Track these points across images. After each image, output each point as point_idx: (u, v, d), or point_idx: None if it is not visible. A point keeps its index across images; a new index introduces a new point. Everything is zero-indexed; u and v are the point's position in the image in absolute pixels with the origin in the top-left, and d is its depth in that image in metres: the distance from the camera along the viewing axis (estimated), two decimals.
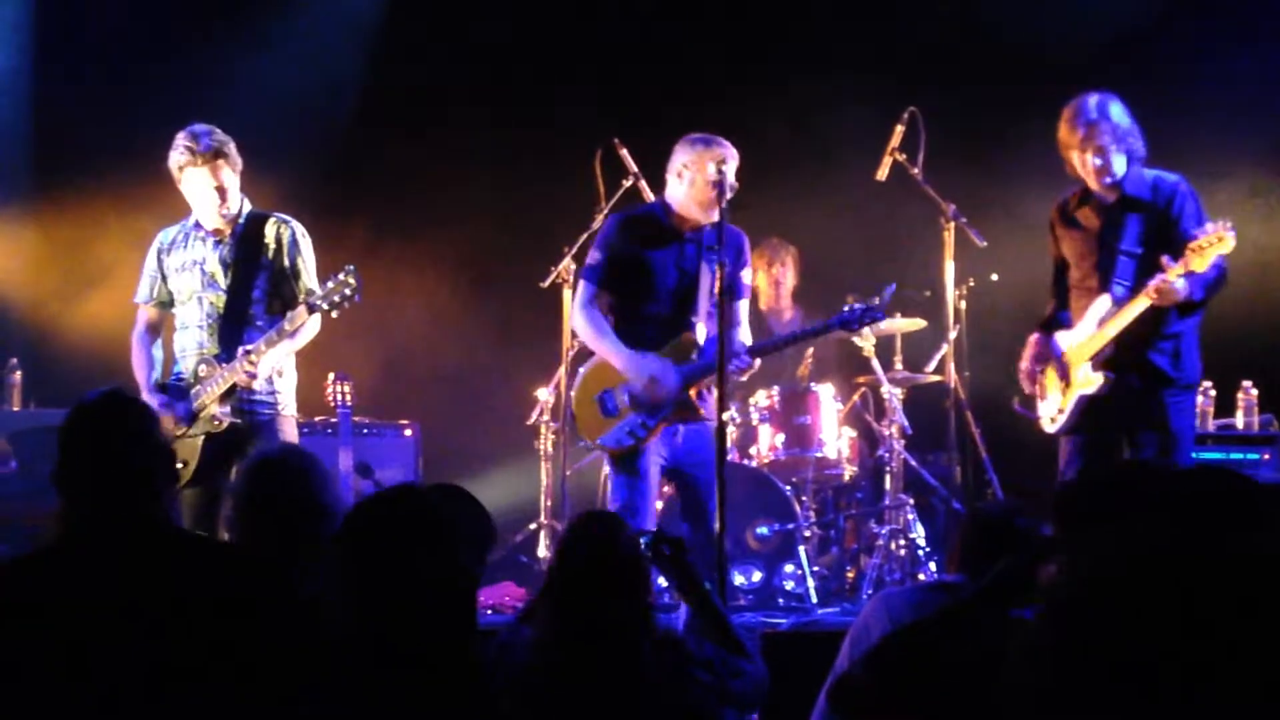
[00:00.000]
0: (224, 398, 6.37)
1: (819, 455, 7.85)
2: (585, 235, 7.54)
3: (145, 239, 9.32)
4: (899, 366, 8.12)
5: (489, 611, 7.51)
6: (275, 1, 9.60)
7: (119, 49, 9.42)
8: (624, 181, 7.50)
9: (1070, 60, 8.92)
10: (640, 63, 8.97)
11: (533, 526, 8.09)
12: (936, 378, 7.93)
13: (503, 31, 9.56)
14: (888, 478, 7.82)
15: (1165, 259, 5.91)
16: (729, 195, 6.25)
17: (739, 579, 6.97)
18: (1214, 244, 5.85)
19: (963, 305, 7.81)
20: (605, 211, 7.40)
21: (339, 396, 8.09)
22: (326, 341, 9.07)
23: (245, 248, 6.63)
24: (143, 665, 3.14)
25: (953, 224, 7.40)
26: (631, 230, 6.51)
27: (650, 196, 7.16)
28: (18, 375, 8.49)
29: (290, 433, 6.66)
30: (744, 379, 6.56)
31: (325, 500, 4.24)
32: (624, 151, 7.50)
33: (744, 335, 6.46)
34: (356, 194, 9.60)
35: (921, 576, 7.37)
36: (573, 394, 6.71)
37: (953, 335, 7.53)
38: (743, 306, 6.53)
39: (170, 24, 9.52)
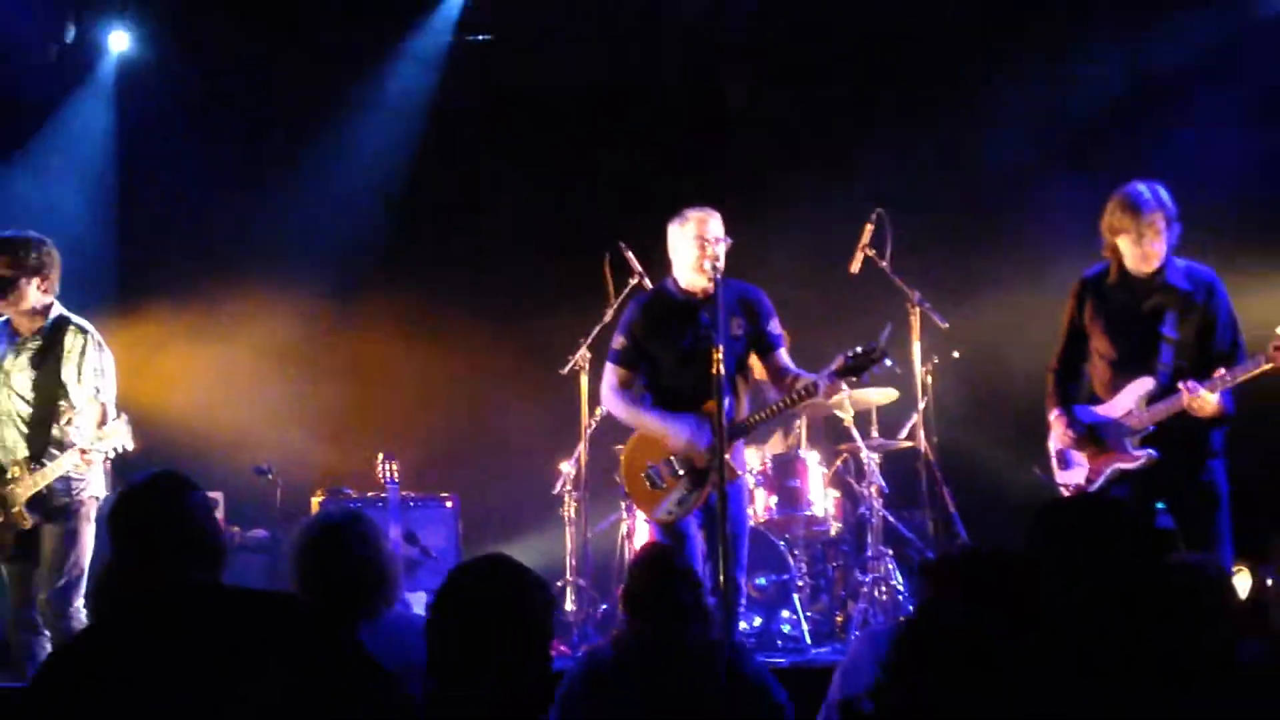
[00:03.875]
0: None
1: (808, 514, 7.87)
2: (598, 327, 7.61)
3: (212, 346, 9.49)
4: (875, 434, 8.17)
5: None
6: (330, 127, 9.78)
7: (187, 183, 9.56)
8: (630, 280, 7.56)
9: (1019, 162, 9.04)
10: (644, 179, 9.04)
11: (560, 583, 8.06)
12: (909, 443, 7.93)
13: (527, 149, 9.68)
14: (869, 532, 7.82)
15: (1219, 372, 5.73)
16: (722, 247, 6.23)
17: (741, 625, 6.95)
18: None
19: (929, 379, 7.84)
20: (614, 307, 7.47)
21: (387, 473, 8.15)
22: (375, 423, 9.17)
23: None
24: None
25: (918, 308, 7.43)
26: (649, 310, 6.49)
27: None
28: (107, 464, 8.53)
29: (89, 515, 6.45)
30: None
31: (382, 560, 4.22)
32: (629, 254, 7.56)
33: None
34: (398, 293, 9.63)
35: (902, 618, 7.33)
36: (620, 475, 6.65)
37: (921, 405, 7.55)
38: (784, 353, 6.43)
39: (232, 156, 9.65)
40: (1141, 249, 5.97)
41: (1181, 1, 8.94)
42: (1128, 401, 6.01)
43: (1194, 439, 5.91)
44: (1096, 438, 6.09)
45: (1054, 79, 9.12)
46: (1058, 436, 6.20)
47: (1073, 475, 6.17)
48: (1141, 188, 6.00)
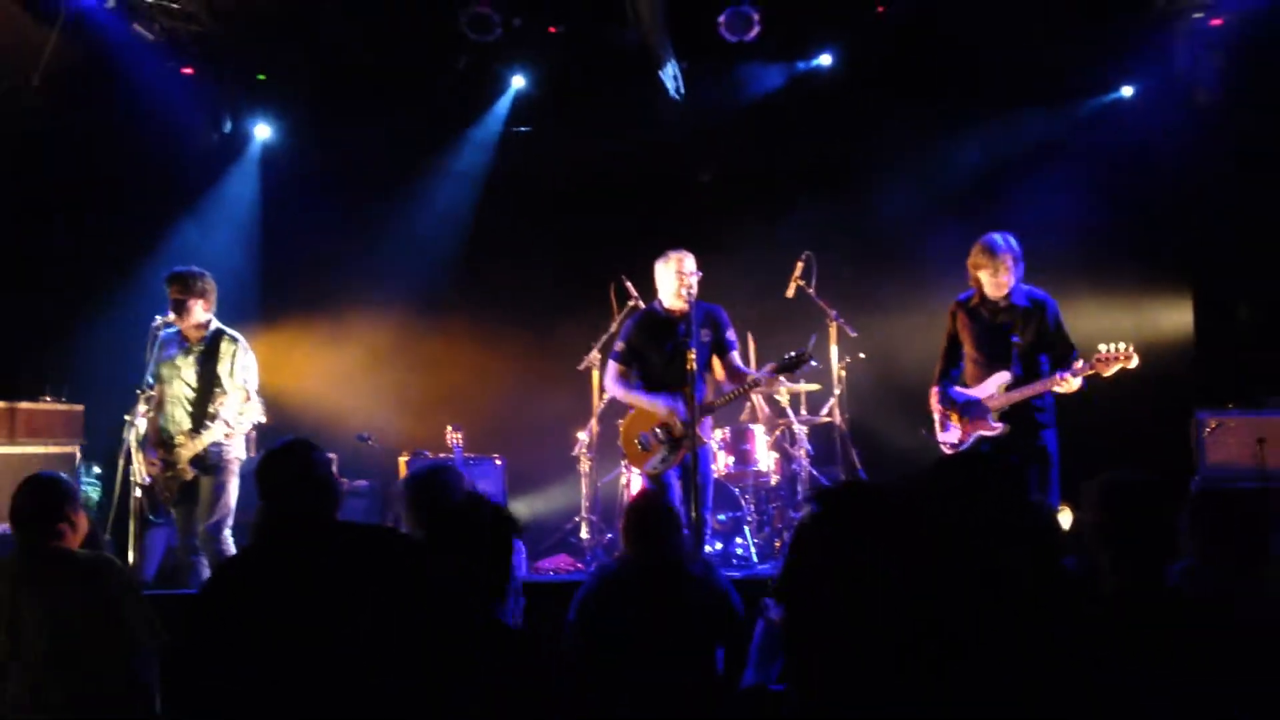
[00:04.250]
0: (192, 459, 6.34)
1: (755, 469, 7.80)
2: (605, 336, 7.62)
3: (328, 348, 9.49)
4: (804, 412, 8.15)
5: (551, 572, 7.50)
6: (414, 191, 9.76)
7: (310, 232, 9.55)
8: (628, 302, 7.58)
9: (909, 217, 9.03)
10: (639, 229, 9.02)
11: (577, 519, 8.09)
12: (828, 419, 7.95)
13: (555, 208, 9.64)
14: (799, 482, 7.80)
15: (1078, 364, 5.81)
16: (695, 279, 6.24)
17: (707, 548, 6.96)
18: (1122, 360, 5.73)
19: (843, 373, 7.86)
20: (618, 321, 7.48)
21: (454, 440, 8.14)
22: (446, 403, 9.16)
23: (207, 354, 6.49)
24: (332, 625, 3.11)
25: (834, 323, 7.48)
26: (641, 324, 6.54)
27: None
28: (253, 433, 8.52)
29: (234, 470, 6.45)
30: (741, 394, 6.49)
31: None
32: (628, 283, 7.60)
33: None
34: (464, 311, 9.63)
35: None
36: (620, 441, 6.66)
37: (837, 392, 7.60)
38: (736, 355, 6.49)
39: (343, 211, 9.65)
40: (995, 280, 6.08)
41: (1023, 99, 8.92)
42: (990, 388, 6.11)
43: (1031, 416, 6.01)
44: (967, 412, 6.15)
45: (935, 153, 9.12)
46: (934, 407, 6.30)
47: (949, 436, 6.27)
48: (996, 236, 6.12)
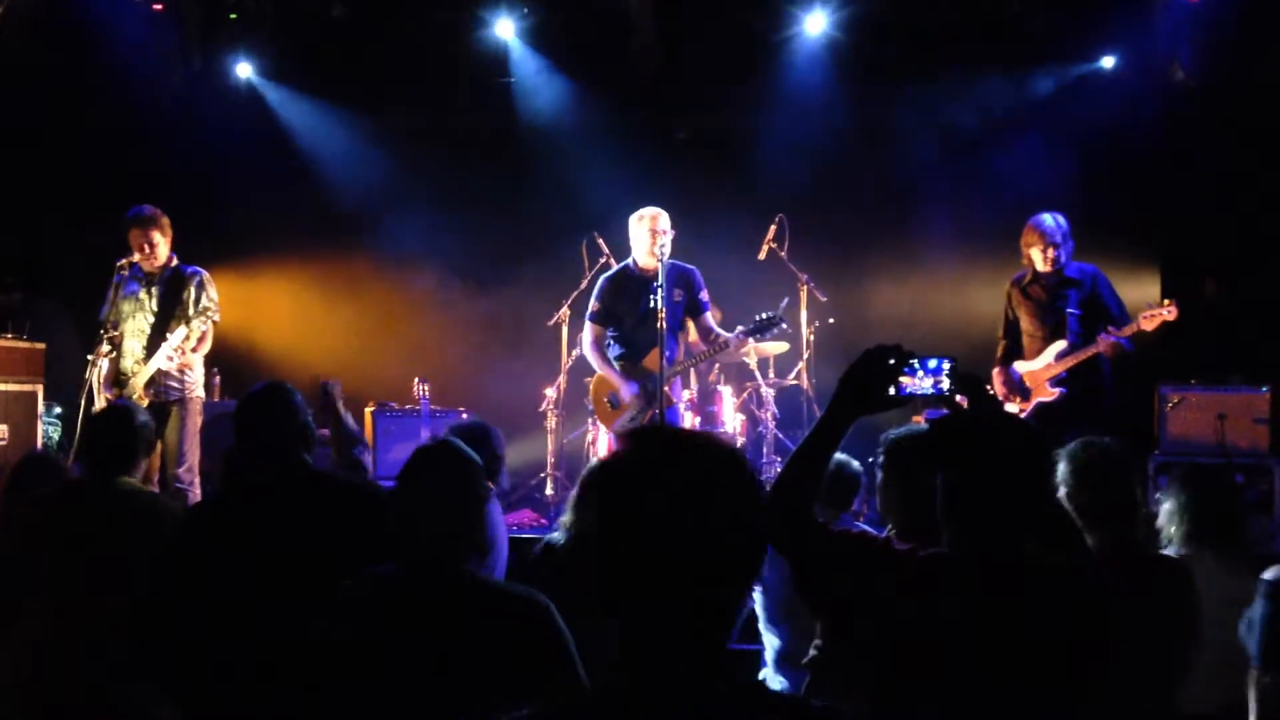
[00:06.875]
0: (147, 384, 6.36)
1: (722, 431, 7.81)
2: (575, 293, 7.62)
3: (297, 297, 9.41)
4: (772, 375, 8.19)
5: (514, 528, 7.53)
6: (382, 138, 9.63)
7: (281, 165, 9.42)
8: (600, 259, 7.56)
9: (880, 181, 9.04)
10: (614, 187, 8.95)
11: (543, 474, 8.09)
12: (795, 382, 7.99)
13: (531, 163, 9.57)
14: (765, 445, 7.84)
15: (1112, 328, 5.97)
16: (668, 237, 6.19)
17: None
18: (1163, 315, 5.92)
19: (812, 337, 7.89)
20: (588, 279, 7.48)
21: (421, 392, 8.14)
22: (413, 356, 9.16)
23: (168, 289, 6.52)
24: (290, 569, 3.12)
25: (805, 286, 7.50)
26: (615, 282, 6.51)
27: None
28: (218, 379, 8.49)
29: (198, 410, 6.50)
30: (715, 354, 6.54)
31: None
32: (600, 240, 7.58)
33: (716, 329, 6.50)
34: (437, 265, 9.59)
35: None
36: (589, 399, 6.66)
37: (805, 355, 7.63)
38: (710, 316, 6.50)
39: (321, 144, 9.55)
40: (1046, 255, 6.21)
41: (1001, 63, 8.84)
42: (1047, 357, 6.25)
43: (1090, 383, 6.18)
44: (1026, 386, 6.32)
45: (913, 118, 9.07)
46: (998, 390, 6.37)
47: (1009, 409, 6.33)
48: (1045, 215, 6.26)
